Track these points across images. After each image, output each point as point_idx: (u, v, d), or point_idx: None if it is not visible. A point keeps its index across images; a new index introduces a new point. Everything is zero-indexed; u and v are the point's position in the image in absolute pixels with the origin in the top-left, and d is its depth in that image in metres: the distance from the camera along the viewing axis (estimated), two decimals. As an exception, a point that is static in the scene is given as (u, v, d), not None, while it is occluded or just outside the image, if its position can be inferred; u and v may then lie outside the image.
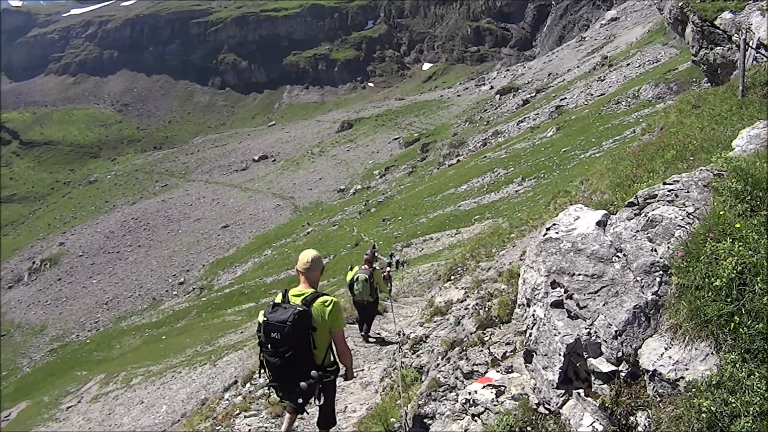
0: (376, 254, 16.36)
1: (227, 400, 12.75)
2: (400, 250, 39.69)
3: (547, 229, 5.17)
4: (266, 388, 11.56)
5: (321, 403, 6.35)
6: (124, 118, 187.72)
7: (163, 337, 48.65)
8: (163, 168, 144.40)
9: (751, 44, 12.47)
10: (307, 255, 6.45)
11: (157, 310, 68.90)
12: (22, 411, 40.99)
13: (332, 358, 6.41)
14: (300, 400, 6.26)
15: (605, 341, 4.25)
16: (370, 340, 14.54)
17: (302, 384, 6.03)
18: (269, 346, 5.97)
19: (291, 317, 5.84)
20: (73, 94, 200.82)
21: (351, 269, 14.84)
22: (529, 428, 4.72)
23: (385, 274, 18.10)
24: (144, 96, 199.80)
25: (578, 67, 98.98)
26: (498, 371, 5.97)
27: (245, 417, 10.38)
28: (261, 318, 6.09)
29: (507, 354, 6.62)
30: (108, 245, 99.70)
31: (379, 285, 14.85)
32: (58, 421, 33.52)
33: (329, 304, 6.15)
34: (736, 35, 14.53)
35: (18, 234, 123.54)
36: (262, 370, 6.27)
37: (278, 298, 6.32)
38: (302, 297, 6.18)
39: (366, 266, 14.54)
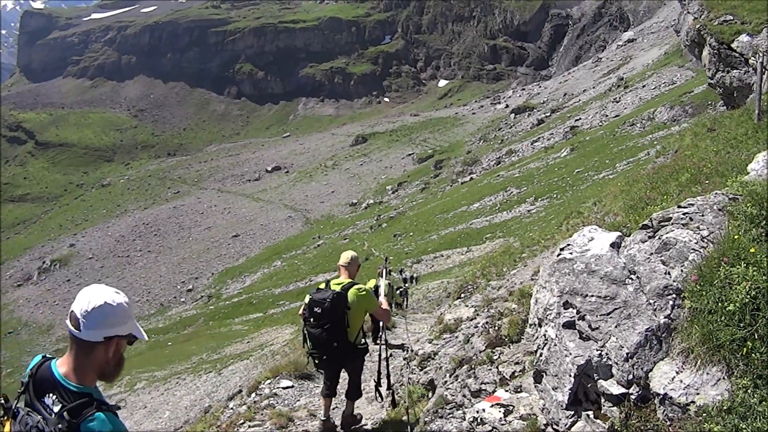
0: (389, 269, 16.69)
1: (231, 408, 12.67)
2: (410, 266, 39.55)
3: (561, 249, 5.16)
4: (271, 398, 11.76)
5: (349, 371, 8.18)
6: (140, 124, 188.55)
7: (169, 343, 48.56)
8: (176, 175, 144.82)
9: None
10: (348, 253, 8.50)
11: (164, 316, 68.87)
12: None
13: (362, 340, 7.98)
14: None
15: (616, 363, 4.23)
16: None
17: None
18: (312, 319, 7.55)
19: (330, 296, 7.44)
20: (90, 98, 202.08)
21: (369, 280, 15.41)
22: (536, 448, 4.70)
23: (401, 289, 18.42)
24: (160, 102, 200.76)
25: (594, 87, 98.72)
26: (507, 390, 5.96)
27: (249, 427, 10.33)
28: (307, 298, 7.76)
29: (516, 373, 6.60)
30: (118, 249, 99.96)
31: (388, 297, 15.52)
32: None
33: (362, 291, 7.78)
34: (752, 58, 14.52)
35: (30, 233, 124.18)
36: (305, 343, 7.88)
37: (321, 285, 7.89)
38: (341, 285, 7.75)
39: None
